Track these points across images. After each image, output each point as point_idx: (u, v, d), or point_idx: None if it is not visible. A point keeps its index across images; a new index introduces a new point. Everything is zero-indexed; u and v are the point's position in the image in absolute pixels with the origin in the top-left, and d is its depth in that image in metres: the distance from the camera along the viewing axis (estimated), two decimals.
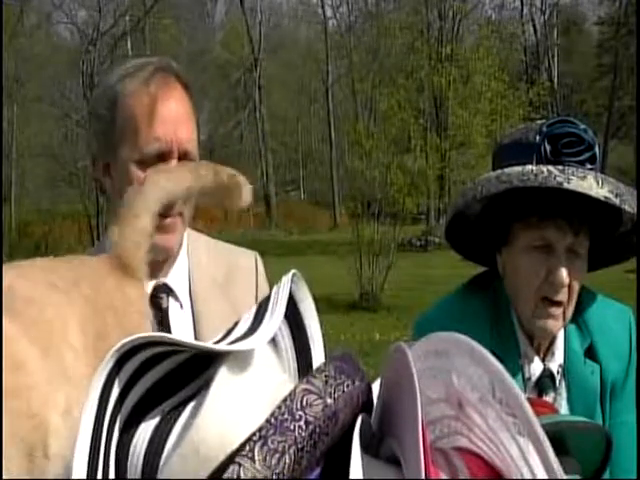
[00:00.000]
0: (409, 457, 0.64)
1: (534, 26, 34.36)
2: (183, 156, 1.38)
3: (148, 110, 1.37)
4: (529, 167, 1.33)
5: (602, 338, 1.45)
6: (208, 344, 0.79)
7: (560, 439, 0.94)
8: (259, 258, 1.58)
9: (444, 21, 27.75)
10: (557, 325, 1.39)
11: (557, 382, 1.44)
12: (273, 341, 0.90)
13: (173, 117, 1.38)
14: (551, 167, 1.31)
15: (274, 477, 0.67)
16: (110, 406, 0.73)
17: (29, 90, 27.95)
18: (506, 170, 1.34)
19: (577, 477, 0.98)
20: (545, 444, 0.61)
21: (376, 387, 0.80)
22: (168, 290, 1.44)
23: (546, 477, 0.62)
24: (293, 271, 0.94)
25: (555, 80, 32.82)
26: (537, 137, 1.37)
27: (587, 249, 1.39)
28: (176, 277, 1.46)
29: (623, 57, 31.76)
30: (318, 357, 0.94)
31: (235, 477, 0.66)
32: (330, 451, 0.73)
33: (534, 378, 1.43)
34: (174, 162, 1.37)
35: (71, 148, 28.03)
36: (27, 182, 30.15)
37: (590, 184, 1.28)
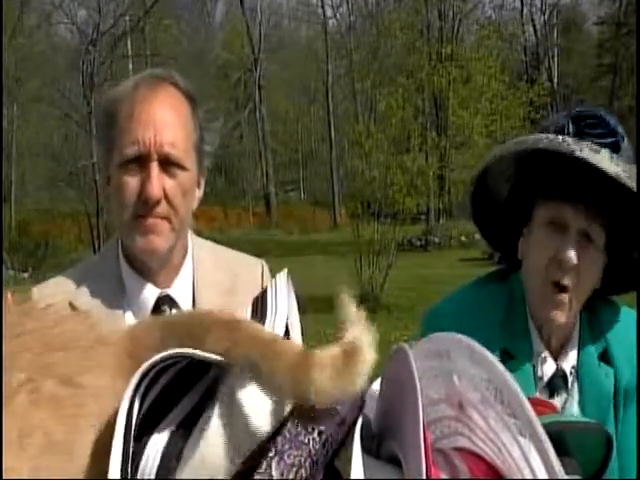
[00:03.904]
0: (410, 457, 0.64)
1: (534, 26, 34.36)
2: (164, 160, 1.34)
3: (130, 112, 1.35)
4: (545, 134, 1.33)
5: (617, 342, 1.43)
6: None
7: (560, 439, 0.93)
8: (265, 266, 1.55)
9: (444, 21, 27.75)
10: (563, 315, 1.36)
11: (569, 383, 1.41)
12: None
13: (155, 120, 1.34)
14: (568, 138, 1.30)
15: None
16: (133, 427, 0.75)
17: (29, 90, 27.95)
18: (525, 137, 1.36)
19: (578, 477, 0.98)
20: (546, 445, 0.61)
21: (376, 387, 0.80)
22: (171, 302, 1.42)
23: (547, 477, 0.62)
24: (285, 270, 0.95)
25: (555, 80, 32.81)
26: (565, 119, 1.37)
27: (604, 242, 1.36)
28: (180, 287, 1.44)
29: (623, 57, 31.78)
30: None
31: None
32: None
33: (546, 378, 1.40)
34: (154, 165, 1.33)
35: (71, 148, 28.05)
36: (27, 182, 30.17)
37: (602, 158, 1.27)
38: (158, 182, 1.33)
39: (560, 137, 1.30)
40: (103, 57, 25.77)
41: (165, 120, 1.35)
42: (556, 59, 34.30)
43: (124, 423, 0.72)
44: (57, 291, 1.41)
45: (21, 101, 27.70)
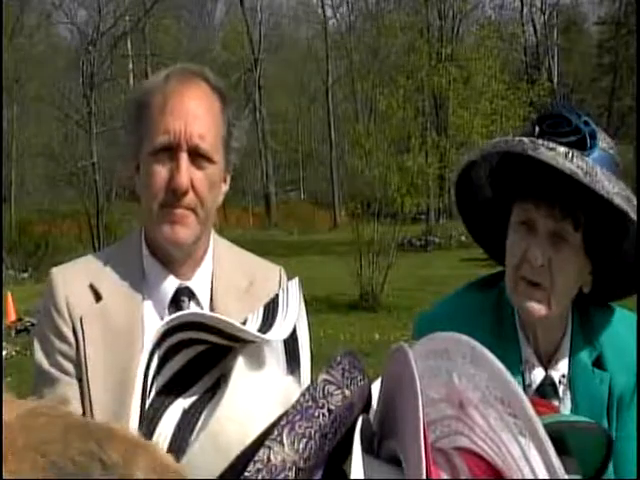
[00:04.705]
0: (410, 457, 0.64)
1: (534, 26, 34.35)
2: (193, 151, 1.37)
3: (162, 103, 1.38)
4: (506, 137, 1.33)
5: (612, 347, 1.41)
6: (241, 326, 0.83)
7: (560, 439, 0.93)
8: (283, 272, 1.58)
9: (444, 21, 27.74)
10: (540, 308, 1.33)
11: (560, 392, 1.40)
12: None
13: (186, 111, 1.37)
14: (525, 138, 1.29)
15: (301, 462, 0.68)
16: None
17: (29, 90, 27.95)
18: (487, 142, 1.36)
19: (577, 477, 0.98)
20: (547, 444, 0.61)
21: (376, 387, 0.80)
22: (190, 294, 1.44)
23: (547, 477, 0.62)
24: (297, 278, 0.99)
25: (555, 80, 32.80)
26: (534, 119, 1.37)
27: (580, 242, 1.33)
28: (199, 281, 1.46)
29: (623, 57, 31.80)
30: (305, 358, 0.98)
31: (265, 460, 0.68)
32: (332, 451, 0.74)
33: (534, 385, 1.39)
34: (183, 156, 1.36)
35: (71, 148, 28.01)
36: (27, 182, 30.17)
37: (556, 155, 1.25)
38: (187, 172, 1.36)
39: (517, 138, 1.29)
40: (103, 57, 25.76)
41: (196, 113, 1.39)
42: (556, 59, 34.27)
43: (142, 376, 0.76)
44: (78, 273, 1.44)
45: (21, 101, 27.70)
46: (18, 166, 28.73)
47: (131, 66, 28.86)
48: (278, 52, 39.90)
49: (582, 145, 1.30)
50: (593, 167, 1.26)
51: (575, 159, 1.25)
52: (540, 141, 1.28)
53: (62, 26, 32.59)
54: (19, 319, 10.46)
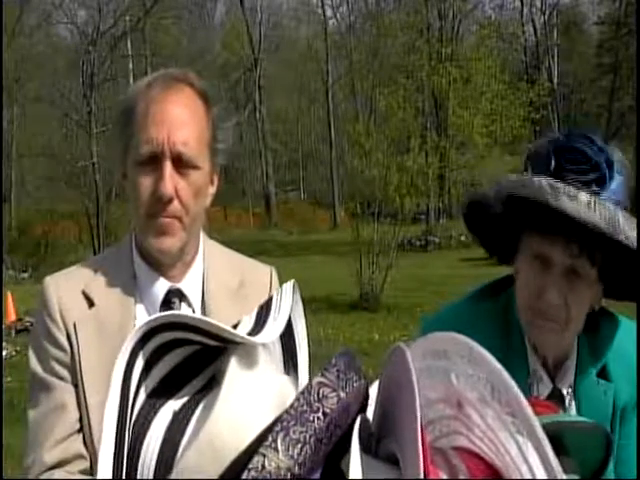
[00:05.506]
0: (408, 457, 0.64)
1: (534, 26, 34.38)
2: (177, 159, 1.36)
3: (145, 111, 1.37)
4: (526, 177, 1.29)
5: (616, 360, 1.40)
6: (227, 328, 0.82)
7: (559, 439, 0.93)
8: (274, 272, 1.58)
9: (444, 21, 27.75)
10: (554, 340, 1.34)
11: (567, 402, 1.39)
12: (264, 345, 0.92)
13: (168, 119, 1.36)
14: (545, 181, 1.25)
15: (296, 468, 0.68)
16: (131, 395, 0.77)
17: (29, 90, 27.97)
18: (510, 176, 1.32)
19: (575, 477, 0.98)
20: (544, 443, 0.61)
21: (375, 387, 0.81)
22: (181, 295, 1.44)
23: (545, 477, 0.62)
24: (293, 280, 0.98)
25: (555, 80, 32.83)
26: (548, 150, 1.32)
27: (595, 276, 1.30)
28: (190, 283, 1.46)
29: (623, 57, 31.79)
30: (303, 361, 0.98)
31: (260, 467, 0.67)
32: (330, 451, 0.74)
33: (542, 398, 1.37)
34: (167, 164, 1.35)
35: (71, 148, 28.02)
36: (27, 182, 30.16)
37: (579, 205, 1.21)
38: (170, 180, 1.36)
39: (537, 182, 1.25)
40: (103, 57, 25.77)
41: (180, 119, 1.37)
42: (556, 59, 34.30)
43: (122, 375, 0.75)
44: (70, 280, 1.44)
45: (21, 101, 27.71)
46: (18, 166, 28.73)
47: (131, 66, 28.85)
48: (278, 52, 39.92)
49: (601, 181, 1.28)
50: (615, 214, 1.23)
51: (597, 207, 1.22)
52: (560, 185, 1.23)
53: (62, 26, 32.64)
54: (19, 319, 10.47)
